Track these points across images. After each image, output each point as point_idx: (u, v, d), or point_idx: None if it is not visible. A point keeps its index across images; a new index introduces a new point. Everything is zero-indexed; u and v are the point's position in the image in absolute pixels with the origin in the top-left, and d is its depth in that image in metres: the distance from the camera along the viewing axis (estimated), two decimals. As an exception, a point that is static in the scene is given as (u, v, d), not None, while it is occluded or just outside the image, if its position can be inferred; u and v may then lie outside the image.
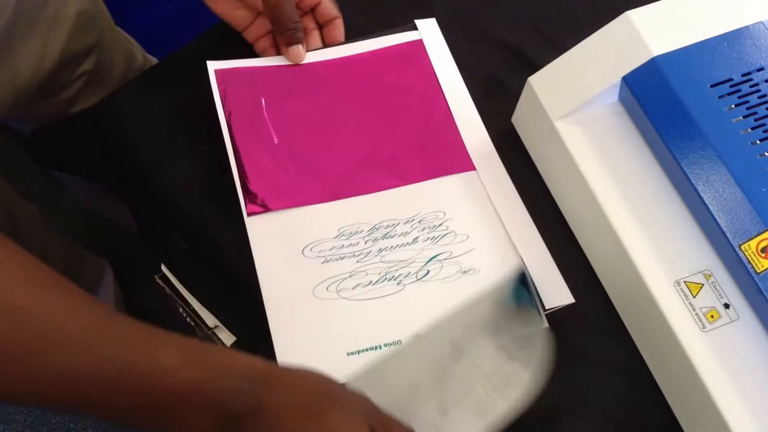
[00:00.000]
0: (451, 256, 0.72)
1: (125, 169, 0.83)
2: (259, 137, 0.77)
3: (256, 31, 0.83)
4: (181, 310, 0.99)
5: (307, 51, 0.83)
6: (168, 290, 0.97)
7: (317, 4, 0.83)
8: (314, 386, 0.54)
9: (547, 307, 0.70)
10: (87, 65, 0.98)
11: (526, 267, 0.72)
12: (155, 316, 1.71)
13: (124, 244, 1.74)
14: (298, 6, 0.82)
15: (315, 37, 0.84)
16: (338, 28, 0.85)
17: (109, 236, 1.74)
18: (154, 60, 1.21)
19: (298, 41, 0.81)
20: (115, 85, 1.04)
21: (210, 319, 0.92)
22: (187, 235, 0.78)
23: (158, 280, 0.98)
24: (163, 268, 0.95)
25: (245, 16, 0.82)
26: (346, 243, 0.73)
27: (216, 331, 0.92)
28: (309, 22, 0.84)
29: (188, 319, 0.99)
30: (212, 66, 0.81)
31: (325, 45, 0.85)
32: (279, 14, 0.78)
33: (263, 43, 0.83)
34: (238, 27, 0.83)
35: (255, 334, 0.77)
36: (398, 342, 0.68)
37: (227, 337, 0.91)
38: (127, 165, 0.81)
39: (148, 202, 0.84)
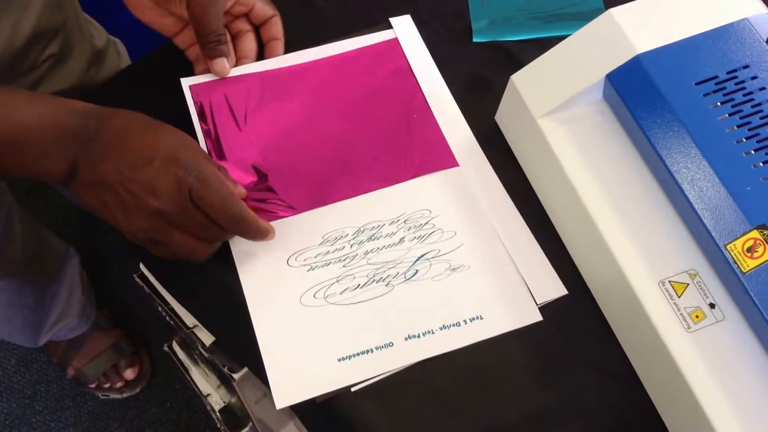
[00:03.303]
0: (440, 254, 0.72)
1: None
2: (238, 151, 0.77)
3: (187, 38, 0.81)
4: (160, 309, 0.98)
5: (243, 56, 0.82)
6: (147, 289, 0.96)
7: (250, 9, 0.81)
8: (145, 115, 0.69)
9: (539, 301, 0.70)
10: (53, 47, 0.98)
11: (514, 261, 0.71)
12: (136, 315, 1.72)
13: (106, 241, 1.73)
14: (230, 12, 0.80)
15: (249, 40, 0.82)
16: (275, 27, 0.83)
17: (92, 233, 1.74)
18: (117, 41, 1.19)
19: (220, 54, 0.78)
20: (79, 70, 1.05)
21: (189, 319, 0.91)
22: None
23: (137, 279, 0.97)
24: (142, 266, 0.94)
25: (173, 23, 0.80)
26: (331, 249, 0.72)
27: (195, 330, 0.91)
28: (243, 25, 0.82)
29: (167, 318, 0.98)
30: (186, 82, 0.80)
31: (264, 43, 0.83)
32: (201, 26, 0.76)
33: (195, 51, 0.81)
34: (167, 34, 0.81)
35: (234, 334, 0.77)
36: (390, 344, 0.67)
37: (206, 337, 0.90)
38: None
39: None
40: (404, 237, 0.73)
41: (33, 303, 1.35)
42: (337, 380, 0.66)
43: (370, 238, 0.72)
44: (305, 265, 0.71)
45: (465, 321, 0.68)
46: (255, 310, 0.69)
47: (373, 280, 0.71)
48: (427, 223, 0.73)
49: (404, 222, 0.73)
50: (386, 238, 0.73)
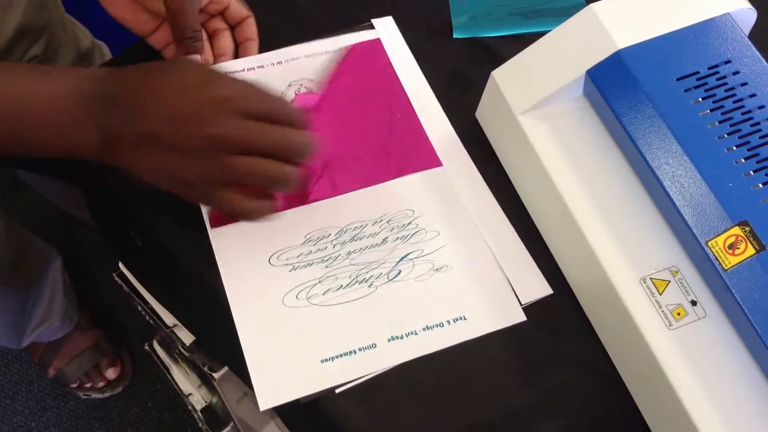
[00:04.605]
0: (423, 254, 0.71)
1: (80, 168, 0.81)
2: None
3: (162, 38, 0.80)
4: (140, 308, 0.97)
5: (221, 54, 0.81)
6: (126, 288, 0.95)
7: (225, 8, 0.80)
8: (154, 62, 0.67)
9: (524, 301, 0.69)
10: (37, 49, 0.97)
11: (498, 260, 0.71)
12: (117, 314, 1.72)
13: (86, 240, 1.72)
14: (205, 10, 0.79)
15: (225, 38, 0.81)
16: (250, 27, 0.82)
17: (72, 233, 1.73)
18: (102, 45, 1.19)
19: (195, 51, 0.77)
20: None
21: (168, 318, 0.90)
22: (144, 234, 0.76)
23: (116, 278, 0.97)
24: (121, 266, 0.94)
25: (148, 20, 0.78)
26: (313, 249, 0.71)
27: (175, 330, 0.91)
28: (219, 23, 0.81)
29: (147, 317, 0.97)
30: None
31: (238, 44, 0.82)
32: (178, 22, 0.75)
33: (172, 50, 0.80)
34: (141, 33, 0.80)
35: (214, 333, 0.76)
36: (373, 345, 0.67)
37: (186, 336, 0.90)
38: (84, 164, 0.79)
39: (105, 201, 0.83)
40: (387, 237, 0.72)
41: (17, 306, 1.34)
42: (320, 382, 0.65)
43: (352, 239, 0.72)
44: (287, 264, 0.70)
45: (448, 322, 0.68)
46: (238, 311, 0.68)
47: (356, 281, 0.70)
48: (410, 223, 0.73)
49: (387, 222, 0.73)
50: (369, 238, 0.72)
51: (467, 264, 0.71)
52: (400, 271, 0.70)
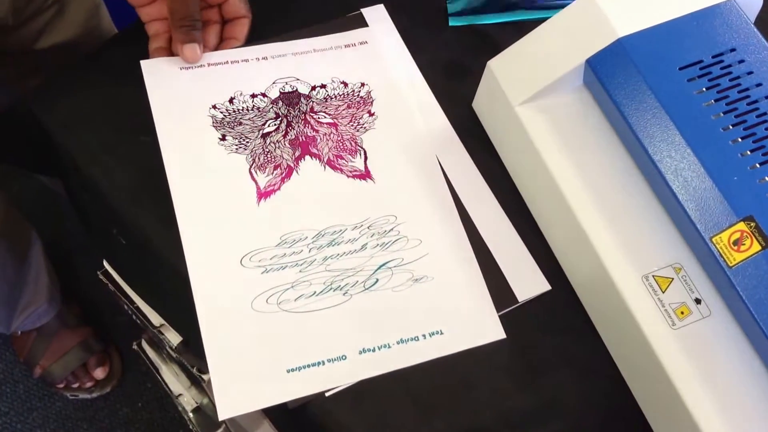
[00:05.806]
0: (402, 263, 0.69)
1: (63, 163, 0.79)
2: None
3: (153, 12, 0.77)
4: (126, 307, 0.95)
5: (203, 47, 0.79)
6: (111, 287, 0.93)
7: (225, 1, 0.78)
8: None
9: (521, 298, 0.68)
10: None
11: (494, 255, 0.69)
12: (105, 311, 1.70)
13: (73, 234, 1.71)
14: None
15: (212, 32, 0.79)
16: (240, 27, 0.79)
17: (58, 226, 1.72)
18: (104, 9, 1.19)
19: (191, 39, 0.75)
20: (79, 21, 1.06)
21: (155, 318, 0.88)
22: (125, 232, 0.74)
23: (101, 277, 0.95)
24: (105, 264, 0.92)
25: None
26: (288, 251, 0.69)
27: (162, 330, 0.89)
28: (213, 15, 0.79)
29: (134, 317, 0.95)
30: (145, 65, 0.77)
31: (223, 40, 0.80)
32: (179, 7, 0.73)
33: (156, 26, 0.78)
34: (133, 3, 0.77)
35: (200, 334, 0.74)
36: (343, 357, 0.64)
37: (174, 337, 0.88)
38: (63, 160, 0.78)
39: (87, 198, 0.81)
40: (366, 244, 0.70)
41: (12, 275, 1.35)
42: (284, 393, 0.63)
43: (330, 243, 0.69)
44: (259, 266, 0.68)
45: (424, 336, 0.66)
46: (204, 314, 0.66)
47: (331, 288, 0.67)
48: (391, 229, 0.70)
49: (368, 228, 0.70)
50: (347, 244, 0.70)
51: (448, 276, 0.69)
52: (377, 280, 0.68)
